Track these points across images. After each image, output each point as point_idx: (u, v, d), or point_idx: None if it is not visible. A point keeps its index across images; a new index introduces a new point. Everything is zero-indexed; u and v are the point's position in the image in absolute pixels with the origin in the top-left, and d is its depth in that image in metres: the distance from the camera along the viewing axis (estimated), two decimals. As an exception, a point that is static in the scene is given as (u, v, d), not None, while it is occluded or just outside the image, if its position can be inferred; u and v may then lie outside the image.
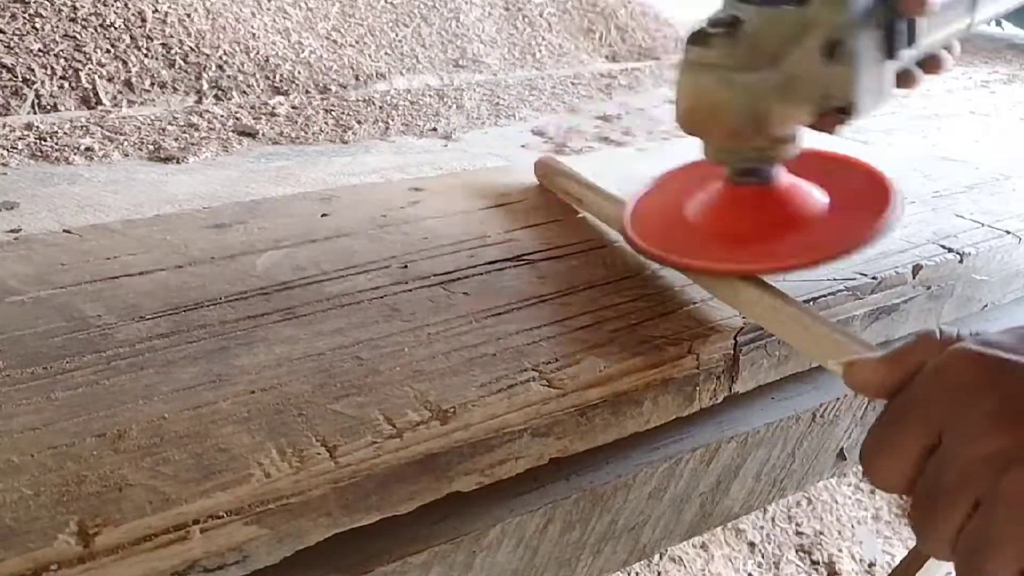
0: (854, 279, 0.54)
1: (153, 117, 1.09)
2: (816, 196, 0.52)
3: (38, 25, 1.19)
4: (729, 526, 1.20)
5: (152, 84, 1.19)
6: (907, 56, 0.48)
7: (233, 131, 1.07)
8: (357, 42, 1.46)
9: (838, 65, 0.44)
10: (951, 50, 0.52)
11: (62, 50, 1.17)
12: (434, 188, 0.70)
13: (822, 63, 0.44)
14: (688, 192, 0.55)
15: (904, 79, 0.49)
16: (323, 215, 0.63)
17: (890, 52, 0.47)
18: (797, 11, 0.44)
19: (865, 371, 0.37)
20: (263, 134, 1.07)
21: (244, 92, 1.24)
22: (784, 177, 0.51)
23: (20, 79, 1.12)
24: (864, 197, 0.51)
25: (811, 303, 0.51)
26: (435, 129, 1.13)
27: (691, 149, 0.53)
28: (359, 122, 1.14)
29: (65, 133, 1.00)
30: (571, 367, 0.43)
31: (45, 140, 0.98)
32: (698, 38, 0.46)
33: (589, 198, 0.62)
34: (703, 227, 0.52)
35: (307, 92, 1.29)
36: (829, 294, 0.52)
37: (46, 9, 1.22)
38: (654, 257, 0.52)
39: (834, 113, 0.47)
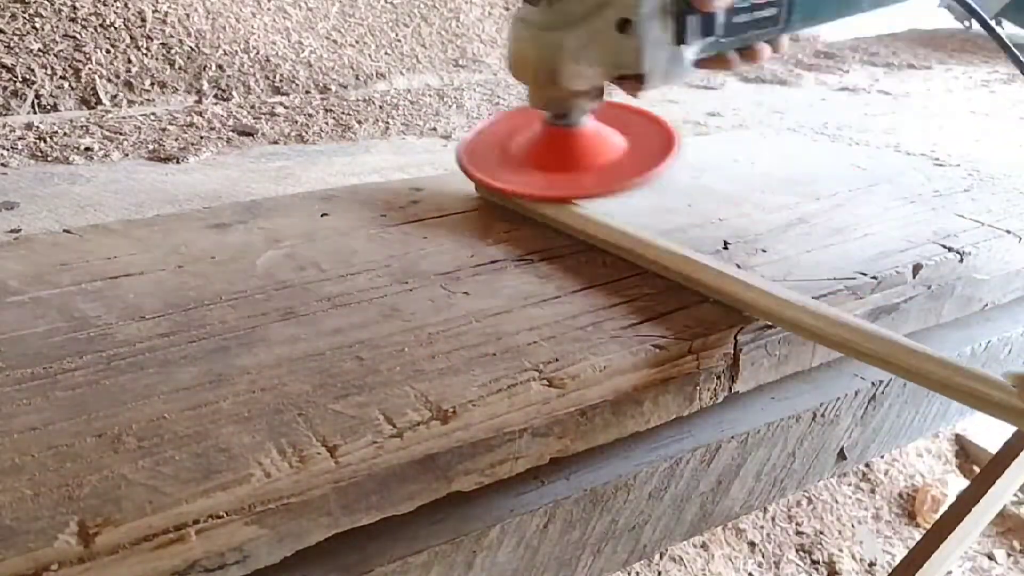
0: (854, 279, 0.54)
1: (153, 117, 1.09)
2: (615, 140, 0.63)
3: (38, 25, 1.19)
4: (729, 526, 1.20)
5: (152, 84, 1.19)
6: (709, 44, 0.58)
7: (233, 131, 1.07)
8: (357, 42, 1.46)
9: (627, 39, 0.55)
10: (775, 45, 0.61)
11: (62, 50, 1.17)
12: (434, 188, 0.70)
13: (614, 36, 0.55)
14: (515, 130, 0.66)
15: (716, 61, 0.59)
16: (323, 215, 0.63)
17: (679, 39, 0.56)
18: None
19: None
20: (263, 134, 1.07)
21: (244, 92, 1.24)
22: (590, 123, 0.62)
23: (20, 79, 1.12)
24: (654, 143, 0.63)
25: (811, 303, 0.51)
26: (435, 129, 1.13)
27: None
28: (359, 122, 1.14)
29: (65, 133, 1.00)
30: (571, 367, 0.43)
31: (45, 140, 0.98)
32: None
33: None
34: (522, 159, 0.63)
35: (307, 92, 1.29)
36: (829, 293, 0.52)
37: (46, 9, 1.22)
38: (479, 182, 0.63)
39: (631, 79, 0.57)
